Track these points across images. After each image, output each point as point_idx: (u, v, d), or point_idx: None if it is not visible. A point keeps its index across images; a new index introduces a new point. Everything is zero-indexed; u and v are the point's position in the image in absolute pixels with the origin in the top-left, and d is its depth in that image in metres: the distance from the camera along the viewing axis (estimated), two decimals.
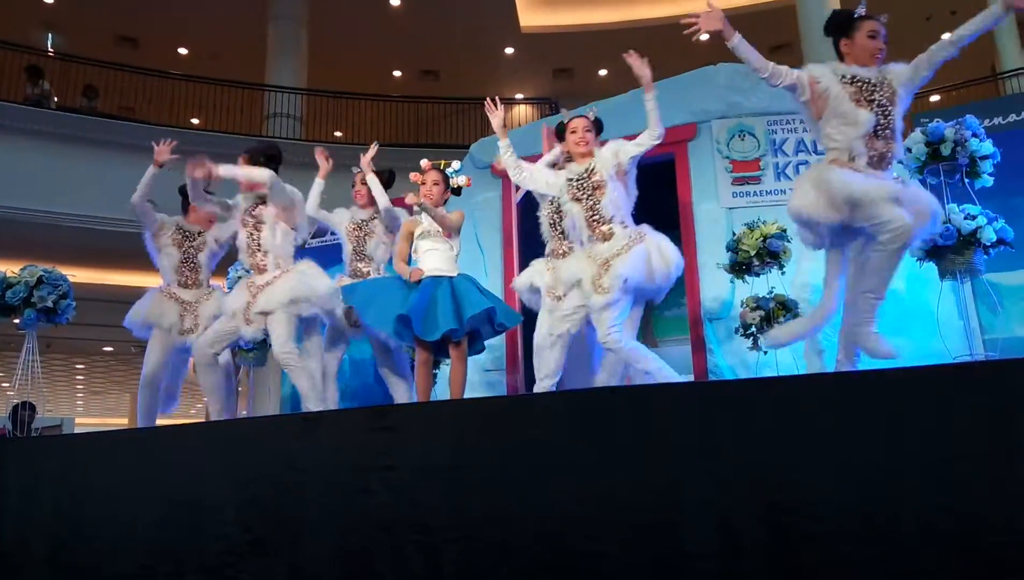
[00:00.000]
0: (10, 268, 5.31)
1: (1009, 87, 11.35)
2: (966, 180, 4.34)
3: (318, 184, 4.50)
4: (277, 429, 2.56)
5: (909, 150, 4.38)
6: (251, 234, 3.92)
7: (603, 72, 16.27)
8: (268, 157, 4.01)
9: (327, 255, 7.95)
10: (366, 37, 14.86)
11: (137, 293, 4.46)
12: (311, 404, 3.68)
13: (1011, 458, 1.50)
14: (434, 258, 3.69)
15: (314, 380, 3.76)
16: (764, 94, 5.47)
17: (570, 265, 3.62)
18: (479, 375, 5.44)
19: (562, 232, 3.85)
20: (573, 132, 3.77)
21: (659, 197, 4.55)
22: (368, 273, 4.30)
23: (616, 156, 3.67)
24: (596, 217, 3.61)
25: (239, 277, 4.83)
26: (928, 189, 4.59)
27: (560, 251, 3.85)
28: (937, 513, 1.53)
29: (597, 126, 3.84)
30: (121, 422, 26.44)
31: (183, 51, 15.50)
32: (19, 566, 2.67)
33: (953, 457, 1.55)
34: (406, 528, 2.07)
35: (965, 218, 4.07)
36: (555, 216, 3.88)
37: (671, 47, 13.93)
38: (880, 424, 1.64)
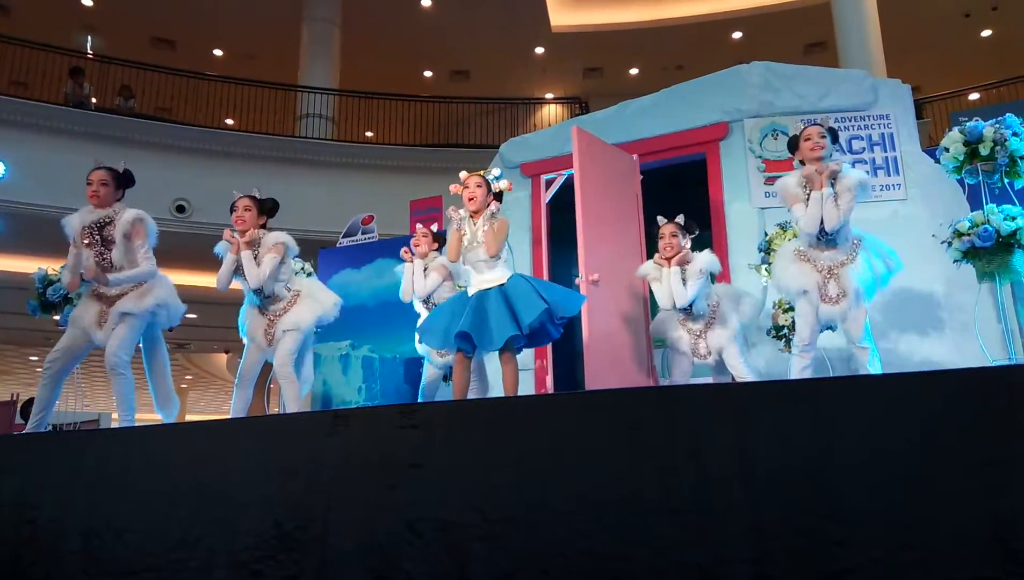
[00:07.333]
0: (51, 266, 5.44)
1: None
2: (1006, 180, 4.25)
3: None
4: (306, 425, 2.58)
5: (947, 150, 4.30)
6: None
7: (634, 71, 16.21)
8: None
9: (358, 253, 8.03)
10: (397, 38, 14.98)
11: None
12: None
13: None
14: (483, 270, 3.67)
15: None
16: (796, 93, 5.40)
17: None
18: None
19: None
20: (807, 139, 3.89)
21: (690, 196, 4.53)
22: None
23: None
24: None
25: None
26: (966, 189, 4.52)
27: None
28: (973, 518, 1.50)
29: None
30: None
31: (218, 53, 15.76)
32: (55, 557, 2.72)
33: (989, 461, 1.52)
34: (433, 526, 2.07)
35: (1005, 219, 3.98)
36: None
37: (702, 46, 13.94)
38: (915, 427, 1.61)
